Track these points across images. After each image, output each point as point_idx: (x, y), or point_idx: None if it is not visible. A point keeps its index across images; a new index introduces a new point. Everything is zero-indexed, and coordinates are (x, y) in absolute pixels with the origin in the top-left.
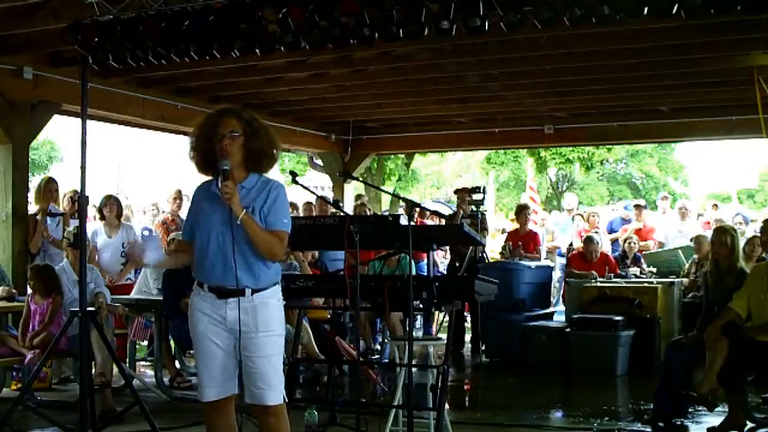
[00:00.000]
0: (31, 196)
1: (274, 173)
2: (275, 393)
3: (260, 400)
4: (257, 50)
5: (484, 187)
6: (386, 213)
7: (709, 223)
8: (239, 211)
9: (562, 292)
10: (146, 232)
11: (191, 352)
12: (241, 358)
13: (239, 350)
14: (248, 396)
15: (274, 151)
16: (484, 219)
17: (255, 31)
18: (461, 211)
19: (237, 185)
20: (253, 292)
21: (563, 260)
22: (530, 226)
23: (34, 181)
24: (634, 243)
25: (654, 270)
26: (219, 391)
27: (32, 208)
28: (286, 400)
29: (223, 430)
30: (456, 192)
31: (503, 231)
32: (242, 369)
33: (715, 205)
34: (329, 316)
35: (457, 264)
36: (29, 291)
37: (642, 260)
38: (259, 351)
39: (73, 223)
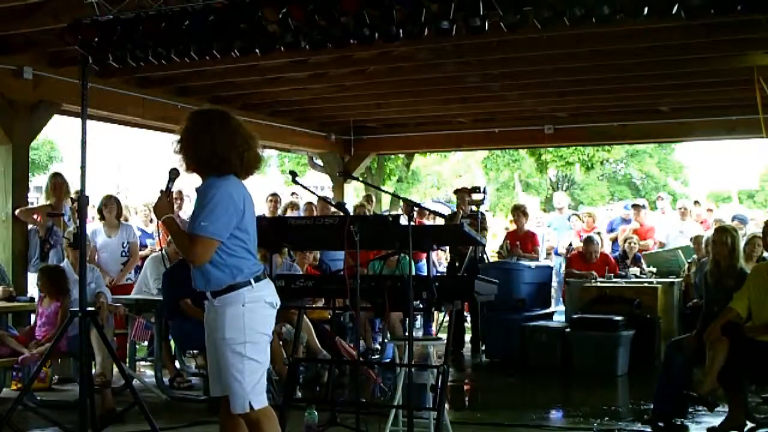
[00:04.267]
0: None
1: (275, 173)
2: (238, 401)
3: (230, 406)
4: (257, 50)
5: (485, 187)
6: (386, 213)
7: (704, 221)
8: (158, 216)
9: (561, 292)
10: None
11: (191, 352)
12: None
13: None
14: None
15: (193, 153)
16: (484, 219)
17: (255, 31)
18: (461, 211)
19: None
20: (214, 294)
21: (560, 260)
22: (528, 226)
23: (35, 181)
24: (634, 243)
25: (654, 270)
26: (220, 389)
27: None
28: (254, 408)
29: (232, 428)
30: (456, 192)
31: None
32: None
33: (697, 201)
34: (329, 316)
35: (457, 264)
36: (36, 294)
37: (642, 260)
38: (221, 357)
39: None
